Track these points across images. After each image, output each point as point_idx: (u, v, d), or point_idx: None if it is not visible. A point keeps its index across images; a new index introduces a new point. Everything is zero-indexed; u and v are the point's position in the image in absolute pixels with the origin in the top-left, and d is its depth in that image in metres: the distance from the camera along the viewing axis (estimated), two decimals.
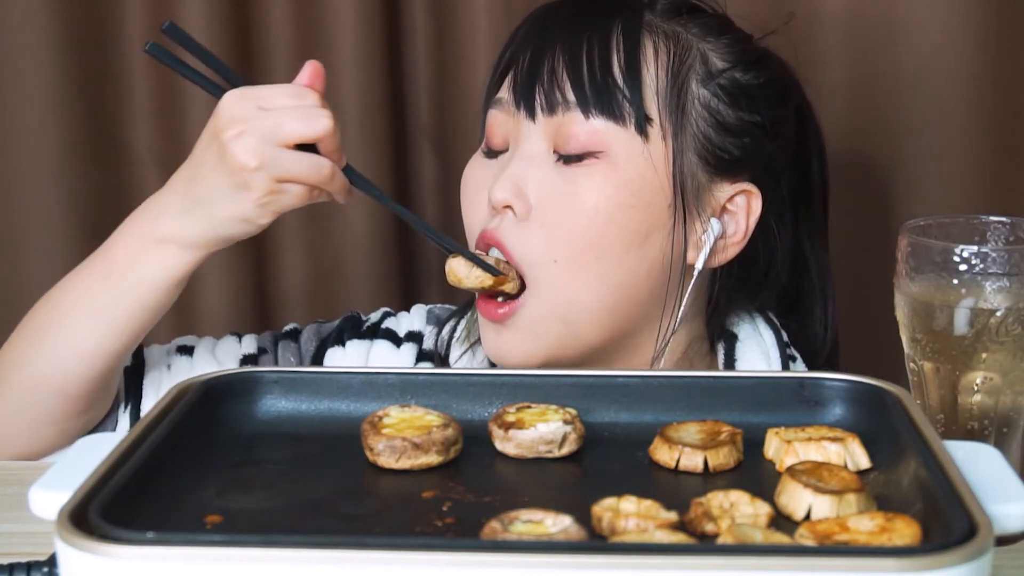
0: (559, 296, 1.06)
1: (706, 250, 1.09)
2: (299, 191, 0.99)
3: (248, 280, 1.54)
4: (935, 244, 0.92)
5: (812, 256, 1.19)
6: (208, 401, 0.84)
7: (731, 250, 1.11)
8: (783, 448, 0.79)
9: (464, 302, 1.24)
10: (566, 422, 0.81)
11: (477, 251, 1.08)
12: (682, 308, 1.10)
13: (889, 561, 0.61)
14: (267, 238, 1.55)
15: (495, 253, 1.07)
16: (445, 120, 1.51)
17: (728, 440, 0.80)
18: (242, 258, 1.52)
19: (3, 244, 1.53)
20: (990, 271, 0.91)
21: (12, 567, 0.75)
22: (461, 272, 1.05)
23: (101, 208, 1.53)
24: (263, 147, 0.97)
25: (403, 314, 1.25)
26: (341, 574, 0.62)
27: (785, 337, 1.17)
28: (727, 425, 0.82)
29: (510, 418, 0.82)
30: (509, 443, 0.81)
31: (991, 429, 0.93)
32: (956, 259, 0.91)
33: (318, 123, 0.97)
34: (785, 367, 1.14)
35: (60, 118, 1.50)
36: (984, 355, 0.91)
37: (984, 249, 0.91)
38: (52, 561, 0.74)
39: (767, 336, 1.16)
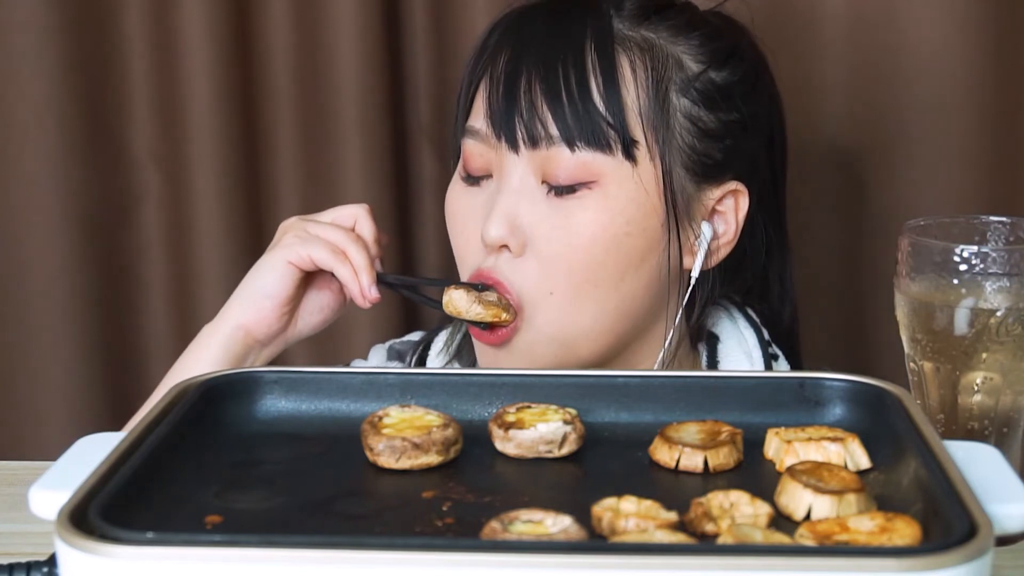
0: (554, 325, 1.06)
1: (701, 255, 1.09)
2: (326, 245, 1.08)
3: None
4: (935, 244, 0.92)
5: (773, 233, 1.18)
6: (208, 401, 0.84)
7: (723, 250, 1.11)
8: (783, 448, 0.79)
9: (433, 328, 1.24)
10: (566, 422, 0.81)
11: (478, 285, 1.07)
12: (678, 315, 1.10)
13: (889, 561, 0.61)
14: None
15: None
16: (445, 120, 1.50)
17: (728, 440, 0.80)
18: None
19: (3, 244, 1.53)
20: (990, 271, 0.91)
21: (12, 567, 0.75)
22: (461, 305, 1.05)
23: (101, 209, 1.53)
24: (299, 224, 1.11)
25: (358, 361, 1.27)
26: (341, 574, 0.62)
27: (766, 335, 1.17)
28: (727, 425, 0.82)
29: (510, 418, 0.82)
30: (509, 443, 0.81)
31: (991, 429, 0.93)
32: (956, 259, 0.91)
33: (342, 267, 1.07)
34: (768, 366, 1.14)
35: (60, 118, 1.49)
36: (984, 355, 0.91)
37: (984, 249, 0.91)
38: (52, 561, 0.74)
39: (748, 336, 1.16)
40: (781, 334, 1.20)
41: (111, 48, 1.50)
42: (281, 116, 1.51)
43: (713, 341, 1.16)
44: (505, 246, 1.05)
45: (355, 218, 1.11)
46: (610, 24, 1.07)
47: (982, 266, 0.91)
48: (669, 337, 1.10)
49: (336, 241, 1.08)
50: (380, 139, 1.49)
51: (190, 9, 1.46)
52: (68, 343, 1.53)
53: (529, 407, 0.84)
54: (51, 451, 0.98)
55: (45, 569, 0.75)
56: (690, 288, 1.10)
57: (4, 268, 1.53)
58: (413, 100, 1.52)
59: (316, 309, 1.13)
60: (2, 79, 1.49)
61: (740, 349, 1.15)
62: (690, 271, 1.10)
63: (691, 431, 0.81)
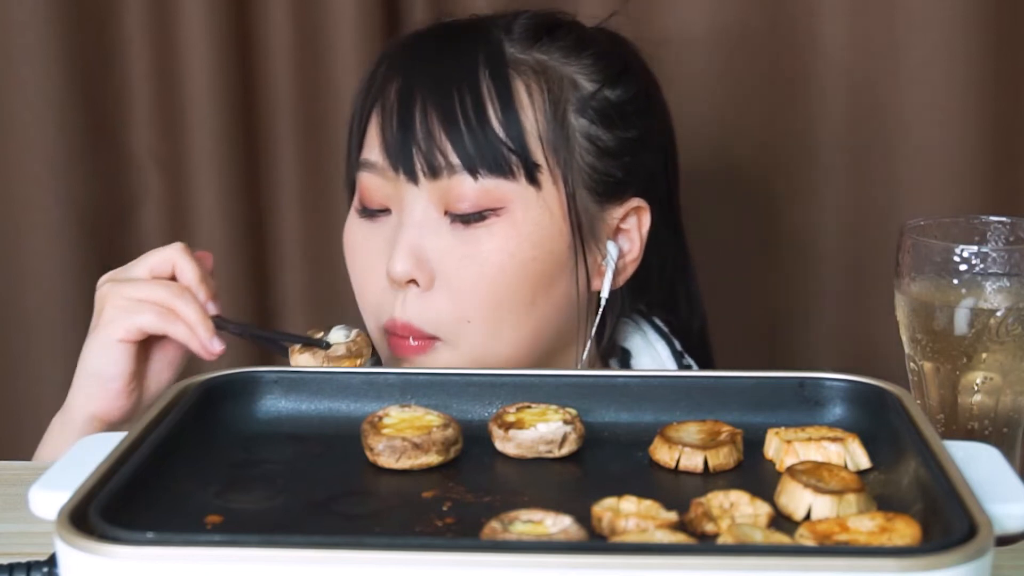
0: (477, 349, 1.05)
1: (609, 275, 1.08)
2: (151, 308, 0.99)
3: (249, 292, 1.54)
4: (935, 244, 0.92)
5: (671, 240, 1.17)
6: (208, 401, 0.84)
7: (630, 268, 1.10)
8: (783, 448, 0.79)
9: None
10: (566, 422, 0.81)
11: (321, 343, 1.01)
12: (590, 336, 1.10)
13: (889, 561, 0.61)
14: (267, 251, 1.55)
15: (340, 329, 1.02)
16: None
17: (728, 440, 0.80)
18: (244, 272, 1.53)
19: (3, 244, 1.53)
20: (990, 271, 0.91)
21: (12, 567, 0.75)
22: (311, 365, 0.99)
23: (101, 209, 1.53)
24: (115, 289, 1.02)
25: None
26: (341, 574, 0.62)
27: (678, 346, 1.17)
28: (727, 425, 0.82)
29: (510, 418, 0.82)
30: (509, 443, 0.81)
31: (991, 429, 0.93)
32: (956, 259, 0.91)
33: (175, 327, 1.00)
34: None
35: (60, 119, 1.50)
36: (984, 355, 0.91)
37: (984, 249, 0.91)
38: (52, 561, 0.74)
39: (660, 348, 1.16)
40: (693, 344, 1.20)
41: (111, 48, 1.50)
42: (281, 116, 1.51)
43: (625, 356, 1.16)
44: (412, 281, 1.04)
45: (172, 263, 1.02)
46: (501, 48, 1.05)
47: (982, 266, 0.91)
48: (582, 358, 1.10)
49: (160, 300, 1.00)
50: None
51: (190, 9, 1.46)
52: (68, 343, 1.53)
53: (529, 407, 0.84)
54: None
55: (45, 569, 0.75)
56: (601, 309, 1.10)
57: (4, 268, 1.54)
58: None
59: (164, 367, 1.06)
60: (2, 79, 1.49)
61: (653, 362, 1.15)
62: (599, 292, 1.09)
63: (691, 431, 0.81)
